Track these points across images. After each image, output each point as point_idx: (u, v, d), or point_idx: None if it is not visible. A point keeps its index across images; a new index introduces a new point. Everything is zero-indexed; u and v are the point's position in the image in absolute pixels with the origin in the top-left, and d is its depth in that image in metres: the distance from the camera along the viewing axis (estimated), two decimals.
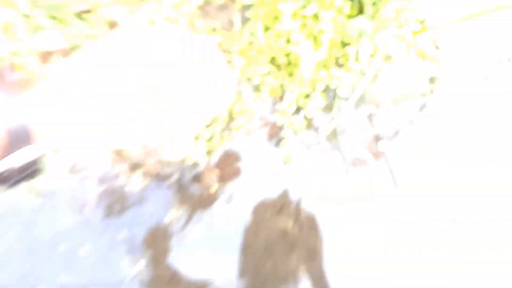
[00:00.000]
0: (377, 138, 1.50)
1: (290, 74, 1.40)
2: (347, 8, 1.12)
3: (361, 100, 1.46)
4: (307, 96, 1.42)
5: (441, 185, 1.43)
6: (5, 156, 1.05)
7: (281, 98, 1.46)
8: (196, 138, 1.42)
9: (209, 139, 1.45)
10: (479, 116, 1.46)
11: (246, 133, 1.47)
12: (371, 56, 1.34)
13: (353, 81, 1.40)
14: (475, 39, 1.47)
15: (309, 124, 1.48)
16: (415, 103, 1.48)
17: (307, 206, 1.43)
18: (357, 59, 1.34)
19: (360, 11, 1.23)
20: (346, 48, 1.34)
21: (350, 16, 1.20)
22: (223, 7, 1.36)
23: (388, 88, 1.41)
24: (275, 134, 1.48)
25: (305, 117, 1.47)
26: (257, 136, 1.48)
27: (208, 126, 1.42)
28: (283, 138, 1.47)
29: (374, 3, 1.13)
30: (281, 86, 1.45)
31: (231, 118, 1.47)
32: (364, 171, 1.47)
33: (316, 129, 1.48)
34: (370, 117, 1.51)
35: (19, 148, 1.06)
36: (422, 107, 1.47)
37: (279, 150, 1.47)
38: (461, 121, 1.47)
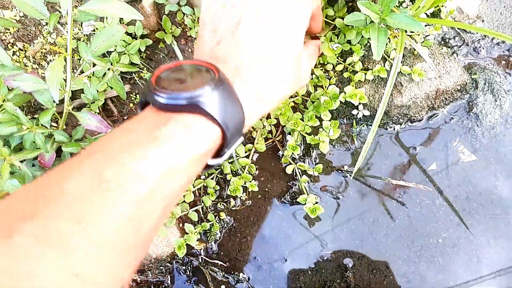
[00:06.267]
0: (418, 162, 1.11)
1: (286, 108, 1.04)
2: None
3: (387, 117, 1.09)
4: (314, 129, 1.06)
5: None
6: None
7: (281, 142, 1.10)
8: (180, 222, 1.05)
9: (199, 221, 1.07)
10: None
11: (247, 198, 1.09)
12: (389, 56, 0.99)
13: (369, 95, 1.04)
14: None
15: (328, 165, 1.10)
16: (457, 105, 1.10)
17: None
18: (364, 67, 0.98)
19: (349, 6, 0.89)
20: (348, 57, 0.99)
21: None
22: None
23: (419, 95, 1.04)
24: (286, 188, 1.11)
25: (320, 157, 1.10)
26: (261, 198, 1.10)
27: (190, 203, 1.05)
28: (301, 191, 1.09)
29: None
30: (276, 126, 1.09)
31: (224, 183, 1.10)
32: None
33: (339, 168, 1.10)
34: (398, 135, 1.14)
35: None
36: (469, 109, 1.08)
37: (297, 209, 1.09)
38: None
